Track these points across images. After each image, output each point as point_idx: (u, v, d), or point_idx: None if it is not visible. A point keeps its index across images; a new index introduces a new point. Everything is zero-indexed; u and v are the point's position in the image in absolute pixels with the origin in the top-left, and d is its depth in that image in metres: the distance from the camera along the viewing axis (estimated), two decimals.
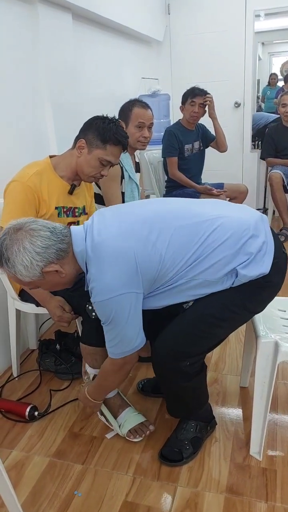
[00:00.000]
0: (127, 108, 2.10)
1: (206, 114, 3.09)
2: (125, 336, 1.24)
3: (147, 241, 1.19)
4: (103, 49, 2.98)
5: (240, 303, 1.31)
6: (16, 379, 1.98)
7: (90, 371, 1.56)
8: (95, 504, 1.33)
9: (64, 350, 2.01)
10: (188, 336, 1.32)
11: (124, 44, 3.34)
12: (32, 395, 1.86)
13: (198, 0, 3.94)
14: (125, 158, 2.07)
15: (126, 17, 3.04)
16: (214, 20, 3.93)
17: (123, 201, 2.10)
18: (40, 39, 2.15)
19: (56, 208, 1.66)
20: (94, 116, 1.64)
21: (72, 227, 1.26)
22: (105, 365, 1.38)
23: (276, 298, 1.37)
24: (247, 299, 1.31)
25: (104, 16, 2.70)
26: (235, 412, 1.67)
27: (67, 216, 1.72)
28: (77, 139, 1.64)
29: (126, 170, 2.08)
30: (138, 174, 2.30)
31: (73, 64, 2.46)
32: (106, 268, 1.16)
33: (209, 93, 3.02)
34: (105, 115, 1.64)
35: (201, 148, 3.20)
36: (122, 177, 2.05)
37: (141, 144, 2.12)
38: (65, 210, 1.70)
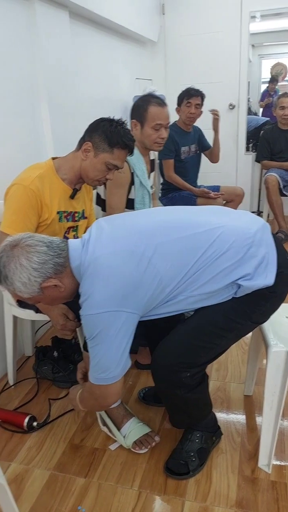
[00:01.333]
0: (141, 107, 1.95)
1: (202, 118, 3.06)
2: (105, 357, 1.16)
3: (142, 257, 1.15)
4: (98, 49, 2.92)
5: (243, 313, 1.27)
6: (12, 387, 1.91)
7: None
8: None
9: (62, 357, 1.95)
10: (189, 347, 1.28)
11: (119, 44, 3.29)
12: (29, 404, 1.80)
13: (193, 0, 3.91)
14: (138, 163, 1.98)
15: (121, 16, 3.00)
16: (209, 21, 3.91)
17: (133, 208, 2.03)
18: (37, 36, 2.08)
19: (57, 212, 1.60)
20: (101, 118, 1.59)
21: (70, 241, 1.23)
22: (86, 385, 1.33)
23: (283, 304, 1.34)
24: (251, 309, 1.27)
25: (100, 15, 2.65)
26: (241, 422, 1.63)
27: (67, 220, 1.67)
28: (82, 141, 1.59)
29: (137, 175, 1.98)
30: (153, 173, 2.21)
31: (69, 63, 2.40)
32: (98, 284, 1.12)
33: (216, 110, 3.03)
34: (112, 117, 1.59)
35: (198, 151, 3.18)
36: (132, 183, 1.97)
37: (158, 145, 2.00)
38: (65, 214, 1.65)
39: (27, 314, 1.70)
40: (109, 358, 1.16)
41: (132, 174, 1.96)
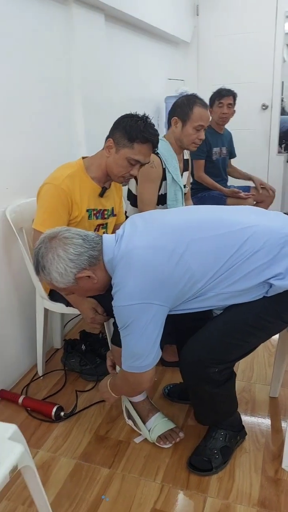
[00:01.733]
0: (186, 106, 1.95)
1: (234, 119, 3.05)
2: (137, 347, 1.21)
3: (173, 253, 1.18)
4: (132, 49, 2.97)
5: (274, 313, 1.28)
6: (41, 378, 1.97)
7: None
8: (123, 510, 1.31)
9: (89, 350, 2.00)
10: (219, 343, 1.30)
11: (152, 44, 3.33)
12: (57, 395, 1.86)
13: (227, 1, 3.90)
14: (170, 159, 2.00)
15: (156, 17, 3.03)
16: (243, 21, 3.89)
17: (165, 204, 2.05)
18: (74, 39, 2.15)
19: (87, 210, 1.65)
20: (124, 115, 1.61)
21: (104, 236, 1.28)
22: (120, 371, 1.38)
23: None
24: (281, 309, 1.28)
25: (135, 17, 2.69)
26: (265, 423, 1.63)
27: (97, 218, 1.71)
28: (106, 138, 1.62)
29: (169, 171, 2.00)
30: (187, 172, 2.23)
31: (103, 64, 2.46)
32: (131, 277, 1.16)
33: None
34: (135, 113, 1.59)
35: (228, 154, 3.18)
36: (164, 178, 2.00)
37: (195, 145, 2.02)
38: (95, 212, 1.69)
39: (58, 307, 1.75)
40: (141, 347, 1.20)
41: (164, 169, 1.98)
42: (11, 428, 1.08)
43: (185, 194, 2.19)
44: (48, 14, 1.97)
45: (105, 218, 1.75)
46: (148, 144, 1.56)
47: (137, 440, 1.58)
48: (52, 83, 2.05)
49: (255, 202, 3.11)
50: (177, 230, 1.24)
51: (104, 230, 1.78)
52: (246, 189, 3.16)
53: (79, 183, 1.61)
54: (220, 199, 2.98)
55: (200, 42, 4.13)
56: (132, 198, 2.11)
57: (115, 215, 1.83)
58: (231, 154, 3.24)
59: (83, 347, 1.99)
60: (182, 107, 1.97)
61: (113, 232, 1.83)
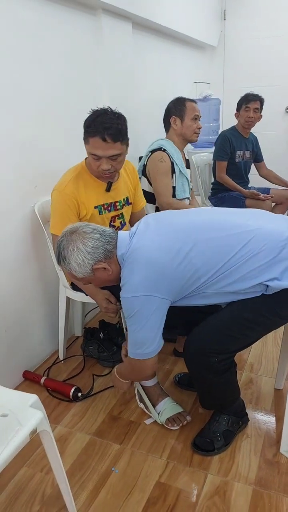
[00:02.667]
0: (180, 103, 2.25)
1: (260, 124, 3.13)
2: (140, 335, 1.33)
3: (179, 252, 1.29)
4: (158, 55, 3.09)
5: (272, 310, 1.37)
6: (62, 362, 2.13)
7: None
8: (130, 481, 1.45)
9: (107, 339, 2.14)
10: (219, 334, 1.40)
11: (178, 49, 3.43)
12: (76, 378, 2.01)
13: (254, 5, 3.96)
14: (175, 153, 2.20)
15: (182, 24, 3.13)
16: (270, 25, 3.94)
17: (174, 196, 2.22)
18: (102, 46, 2.28)
19: (95, 207, 1.75)
20: None
21: (120, 232, 1.40)
22: (126, 359, 1.50)
23: None
24: (279, 306, 1.37)
25: (162, 24, 2.81)
26: (269, 412, 1.73)
27: (109, 211, 1.80)
28: None
29: (176, 164, 2.20)
30: (188, 170, 2.41)
31: (131, 70, 2.59)
32: (136, 271, 1.29)
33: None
34: (105, 107, 1.59)
35: (251, 158, 3.25)
36: (173, 171, 2.16)
37: (196, 135, 2.28)
38: (105, 206, 1.79)
39: (79, 296, 1.90)
40: (144, 336, 1.32)
41: (172, 163, 2.19)
42: (32, 398, 1.22)
43: (190, 189, 2.38)
44: (80, 24, 2.12)
45: (118, 209, 1.84)
46: (97, 136, 1.53)
47: (148, 421, 1.71)
48: (82, 87, 2.19)
49: (274, 204, 3.17)
50: (185, 231, 1.35)
51: (121, 219, 1.87)
52: (266, 190, 3.22)
53: (84, 183, 1.71)
54: (239, 200, 3.06)
55: (226, 46, 4.20)
56: (146, 197, 2.27)
57: (130, 204, 1.91)
58: (257, 158, 3.31)
59: (102, 335, 2.14)
60: (176, 105, 2.26)
61: (131, 219, 1.96)
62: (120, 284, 1.35)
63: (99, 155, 1.59)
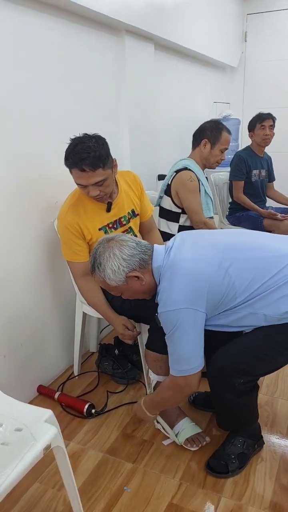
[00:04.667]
0: (217, 130, 2.24)
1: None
2: (184, 351, 1.31)
3: (219, 267, 1.29)
4: (178, 75, 3.15)
5: None
6: (76, 377, 2.14)
7: (153, 377, 1.67)
8: (142, 501, 1.43)
9: (122, 356, 2.14)
10: (247, 356, 1.38)
11: (199, 70, 3.50)
12: (89, 394, 2.01)
13: (275, 27, 4.02)
14: (200, 174, 2.24)
15: (204, 45, 3.20)
16: None
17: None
18: (125, 65, 2.35)
19: (100, 229, 1.75)
20: None
21: (156, 245, 1.41)
22: (165, 382, 1.46)
23: None
24: None
25: (184, 46, 2.88)
26: (284, 436, 1.69)
27: (115, 229, 1.80)
28: None
29: (202, 183, 2.24)
30: None
31: (151, 89, 2.65)
32: (176, 284, 1.28)
33: None
34: (81, 135, 1.59)
35: (267, 177, 3.26)
36: (199, 190, 2.19)
37: (217, 165, 2.31)
38: (110, 225, 1.78)
39: (95, 312, 1.91)
40: (189, 350, 1.31)
41: (199, 181, 2.22)
42: (47, 413, 1.23)
43: None
44: (104, 45, 2.20)
45: (124, 225, 1.83)
46: (75, 169, 1.54)
47: (166, 442, 1.69)
48: (103, 107, 2.25)
49: None
50: (222, 248, 1.35)
51: (131, 233, 1.86)
52: (284, 210, 3.21)
53: (83, 208, 1.71)
54: (257, 220, 3.06)
55: (247, 67, 4.26)
56: (165, 214, 2.32)
57: (137, 215, 1.89)
58: (270, 177, 3.32)
59: (116, 352, 2.14)
60: (212, 130, 2.24)
61: (141, 229, 1.97)
62: (157, 299, 1.34)
63: (84, 184, 1.58)
